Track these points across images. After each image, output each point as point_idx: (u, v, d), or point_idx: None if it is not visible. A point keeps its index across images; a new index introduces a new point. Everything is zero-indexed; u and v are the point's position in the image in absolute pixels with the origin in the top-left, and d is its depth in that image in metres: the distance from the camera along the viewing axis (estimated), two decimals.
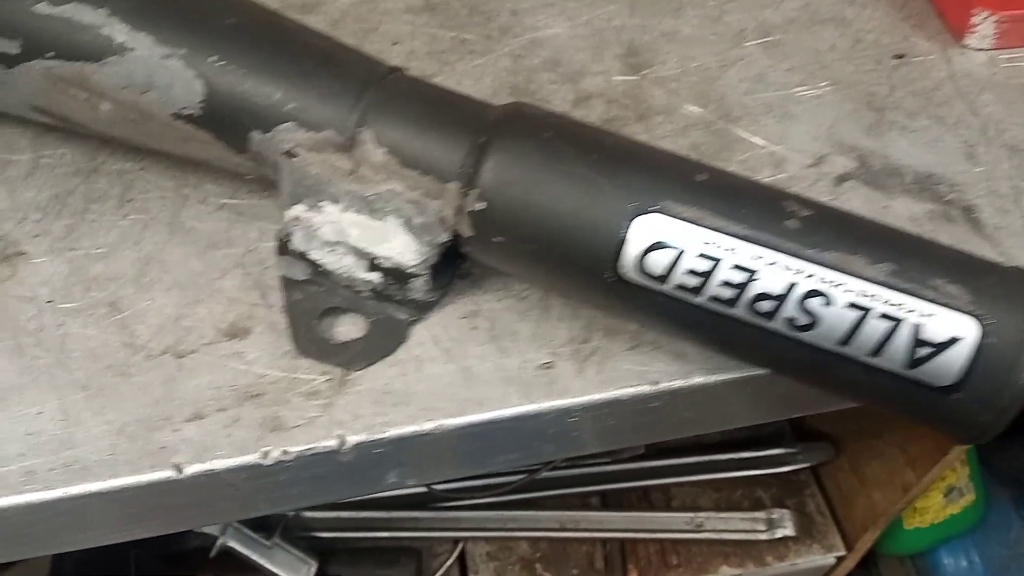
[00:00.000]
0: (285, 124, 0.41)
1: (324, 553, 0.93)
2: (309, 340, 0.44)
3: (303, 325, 0.45)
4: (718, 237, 0.37)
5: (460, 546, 0.99)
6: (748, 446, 1.01)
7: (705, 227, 0.37)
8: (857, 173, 0.51)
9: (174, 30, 0.40)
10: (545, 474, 0.95)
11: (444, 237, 0.42)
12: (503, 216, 0.39)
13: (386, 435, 0.42)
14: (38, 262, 0.47)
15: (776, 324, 0.37)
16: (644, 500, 1.01)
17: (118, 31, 0.40)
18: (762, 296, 0.37)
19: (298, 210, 0.43)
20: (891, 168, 0.52)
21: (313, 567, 0.91)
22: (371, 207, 0.42)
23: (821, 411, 0.51)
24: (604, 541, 0.99)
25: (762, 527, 0.98)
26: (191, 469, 0.41)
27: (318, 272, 0.45)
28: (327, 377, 0.44)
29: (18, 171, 0.51)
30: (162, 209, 0.50)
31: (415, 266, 0.43)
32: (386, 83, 0.42)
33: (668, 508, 1.00)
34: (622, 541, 0.98)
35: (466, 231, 0.41)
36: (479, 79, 0.56)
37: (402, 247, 0.42)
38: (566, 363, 0.45)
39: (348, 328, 0.46)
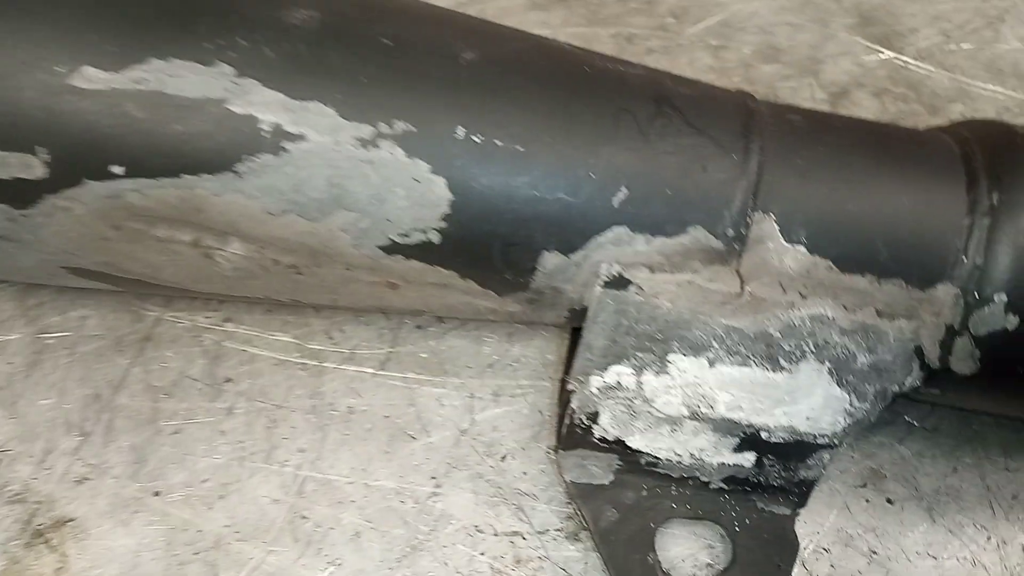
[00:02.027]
0: (611, 231, 0.22)
1: None
2: None
3: (631, 564, 0.25)
4: None
5: None
6: None
7: None
8: None
9: (379, 88, 0.20)
10: None
11: (910, 382, 0.23)
12: None
13: None
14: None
15: None
16: None
17: (265, 105, 0.19)
18: None
19: (617, 374, 0.24)
20: None
21: None
22: (771, 351, 0.23)
23: None
24: None
25: None
26: None
27: (633, 466, 0.26)
28: None
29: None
30: (289, 387, 0.30)
31: (834, 435, 0.24)
32: (771, 122, 0.23)
33: None
34: None
35: (964, 367, 0.22)
36: None
37: (820, 407, 0.24)
38: None
39: (697, 548, 0.27)
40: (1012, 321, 0.21)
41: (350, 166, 0.20)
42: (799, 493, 0.26)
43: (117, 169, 0.20)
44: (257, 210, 0.21)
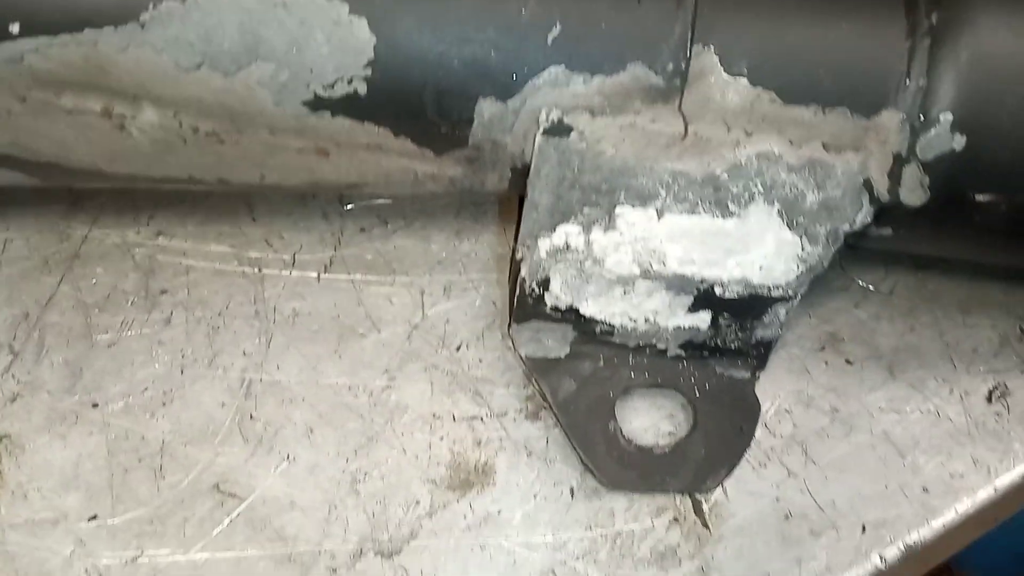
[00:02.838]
0: (547, 72, 0.21)
1: None
2: (610, 458, 0.25)
3: (592, 434, 0.25)
4: None
5: None
6: None
7: None
8: None
9: None
10: None
11: (861, 219, 0.23)
12: (1002, 154, 0.21)
13: None
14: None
15: None
16: None
17: None
18: None
19: (565, 233, 0.23)
20: None
21: None
22: (718, 196, 0.22)
23: None
24: None
25: None
26: None
27: (589, 335, 0.25)
28: (671, 517, 0.24)
29: None
30: (228, 294, 0.29)
31: (788, 285, 0.24)
32: None
33: None
34: None
35: (913, 197, 0.22)
36: None
37: (772, 255, 0.23)
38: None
39: (659, 418, 0.26)
40: (959, 141, 0.21)
41: (263, 9, 0.19)
42: (758, 355, 0.26)
43: (13, 27, 0.19)
44: (166, 66, 0.19)
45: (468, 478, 0.25)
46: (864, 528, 0.24)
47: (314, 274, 0.29)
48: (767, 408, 0.26)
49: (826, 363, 0.27)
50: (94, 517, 0.24)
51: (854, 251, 0.25)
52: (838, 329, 0.28)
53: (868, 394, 0.27)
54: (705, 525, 0.24)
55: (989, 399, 0.27)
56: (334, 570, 0.24)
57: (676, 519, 0.24)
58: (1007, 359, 0.28)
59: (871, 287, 0.29)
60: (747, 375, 0.26)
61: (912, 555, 0.24)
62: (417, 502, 0.25)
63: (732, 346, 0.26)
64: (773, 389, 0.27)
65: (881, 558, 0.24)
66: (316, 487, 0.25)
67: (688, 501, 0.25)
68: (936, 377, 0.27)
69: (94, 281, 0.29)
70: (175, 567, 0.24)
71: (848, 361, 0.27)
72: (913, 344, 0.28)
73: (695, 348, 0.26)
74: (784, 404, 0.27)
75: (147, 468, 0.25)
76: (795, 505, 0.25)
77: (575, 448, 0.25)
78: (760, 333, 0.25)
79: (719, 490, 0.25)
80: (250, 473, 0.25)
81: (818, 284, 0.27)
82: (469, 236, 0.30)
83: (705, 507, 0.25)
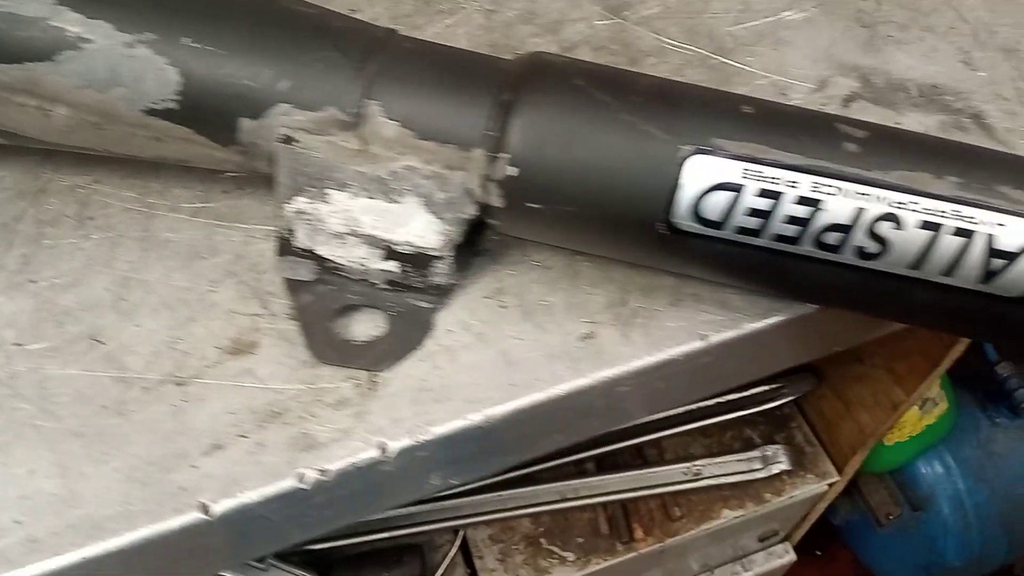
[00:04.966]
0: (279, 107, 0.36)
1: (323, 565, 0.88)
2: (327, 345, 0.40)
3: (318, 329, 0.40)
4: (777, 172, 0.34)
5: (461, 534, 0.95)
6: (733, 388, 1.01)
7: (762, 162, 0.34)
8: (863, 93, 0.50)
9: (137, 13, 0.35)
10: None
11: (470, 212, 0.38)
12: (538, 179, 0.36)
13: (432, 435, 0.39)
14: None
15: (845, 255, 0.35)
16: (639, 457, 0.99)
17: (70, 21, 0.34)
18: (829, 227, 0.34)
19: (300, 202, 0.38)
20: (895, 83, 0.50)
21: None
22: (385, 188, 0.37)
23: (861, 340, 0.49)
24: (605, 505, 0.97)
25: (758, 465, 0.98)
26: (220, 507, 0.37)
27: (327, 269, 0.40)
28: (354, 382, 0.40)
29: None
30: (129, 224, 0.45)
31: (438, 248, 0.39)
32: (390, 47, 0.37)
33: (663, 462, 0.98)
34: (623, 502, 0.97)
35: (496, 202, 0.37)
36: (453, 40, 0.52)
37: (423, 228, 0.38)
38: (609, 330, 0.41)
39: (367, 326, 0.41)
40: (514, 171, 0.36)
41: (120, 59, 0.35)
42: (437, 294, 0.41)
43: None
44: (68, 85, 0.36)
45: (241, 349, 0.41)
46: (467, 402, 0.39)
47: (186, 216, 0.45)
48: (440, 328, 0.41)
49: (486, 306, 0.42)
50: (19, 344, 0.41)
51: (497, 233, 0.40)
52: (505, 287, 0.43)
53: (507, 327, 0.42)
54: (372, 388, 0.40)
55: (582, 338, 0.41)
56: (147, 389, 0.39)
57: (357, 383, 0.40)
58: (604, 316, 0.42)
59: (536, 263, 0.44)
60: (429, 306, 0.41)
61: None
62: (205, 357, 0.40)
63: (418, 286, 0.41)
64: (448, 317, 0.42)
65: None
66: (147, 340, 0.41)
67: (367, 374, 0.40)
68: (552, 322, 0.42)
69: (49, 207, 0.45)
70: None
71: (502, 306, 0.42)
72: (551, 301, 0.42)
73: (395, 285, 0.41)
74: (450, 327, 0.42)
75: (54, 322, 0.41)
76: (431, 385, 0.40)
77: (304, 337, 0.40)
78: (434, 279, 0.40)
79: (389, 370, 0.40)
80: (115, 327, 0.41)
81: (495, 260, 0.42)
82: None
83: (375, 379, 0.40)
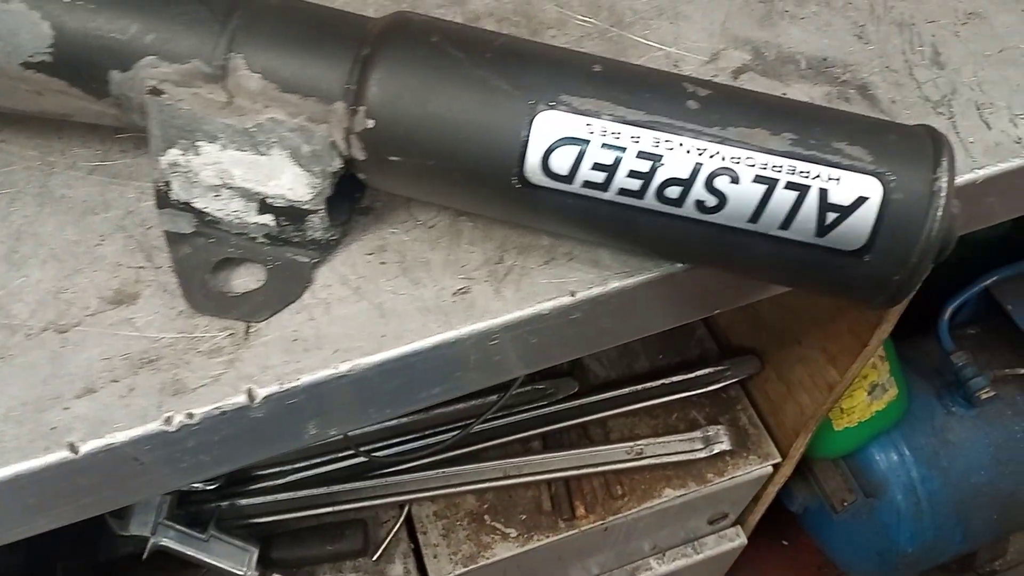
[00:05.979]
0: (146, 59, 0.38)
1: (265, 538, 0.90)
2: (204, 296, 0.41)
3: (196, 281, 0.41)
4: (620, 127, 0.36)
5: (406, 509, 0.97)
6: (678, 370, 1.02)
7: (606, 118, 0.35)
8: (753, 65, 0.51)
9: None
10: (484, 424, 0.94)
11: (336, 165, 0.39)
12: (396, 132, 0.37)
13: (299, 382, 0.40)
14: None
15: (686, 209, 0.36)
16: (584, 437, 1.00)
17: None
18: (669, 182, 0.36)
19: (173, 155, 0.40)
20: (785, 56, 0.51)
21: (254, 553, 0.87)
22: (253, 141, 0.39)
23: (738, 304, 0.51)
24: (549, 483, 0.98)
25: (700, 445, 0.99)
26: (87, 446, 0.38)
27: (205, 222, 0.42)
28: (228, 332, 0.41)
29: None
30: (28, 180, 0.46)
31: (309, 201, 0.40)
32: (256, 3, 0.38)
33: (608, 441, 1.00)
34: (566, 480, 0.98)
35: (359, 154, 0.38)
36: (361, 9, 0.53)
37: (292, 181, 0.39)
38: (482, 286, 0.43)
39: (246, 279, 0.43)
40: (371, 123, 0.37)
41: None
42: (316, 249, 0.42)
43: None
44: None
45: (123, 299, 0.42)
46: (336, 352, 0.40)
47: (83, 174, 0.47)
48: (317, 282, 0.43)
49: (367, 262, 0.43)
50: None
51: (376, 191, 0.42)
52: (387, 244, 0.44)
53: (384, 282, 0.43)
54: (246, 338, 0.41)
55: (455, 293, 0.43)
56: (29, 336, 0.41)
57: (232, 333, 0.41)
58: (480, 272, 0.43)
59: (420, 222, 0.45)
60: (308, 260, 0.43)
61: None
62: (88, 306, 0.42)
63: (296, 240, 0.42)
64: (328, 272, 0.43)
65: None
66: (33, 289, 0.42)
67: (243, 325, 0.41)
68: (428, 277, 0.43)
69: None
70: None
71: (382, 262, 0.44)
72: (430, 258, 0.44)
73: (272, 239, 0.42)
74: (328, 282, 0.43)
75: None
76: (304, 335, 0.41)
77: (181, 288, 0.42)
78: (311, 234, 0.42)
79: (265, 322, 0.41)
80: (4, 277, 0.42)
81: (380, 219, 0.44)
82: None
83: (250, 330, 0.41)
